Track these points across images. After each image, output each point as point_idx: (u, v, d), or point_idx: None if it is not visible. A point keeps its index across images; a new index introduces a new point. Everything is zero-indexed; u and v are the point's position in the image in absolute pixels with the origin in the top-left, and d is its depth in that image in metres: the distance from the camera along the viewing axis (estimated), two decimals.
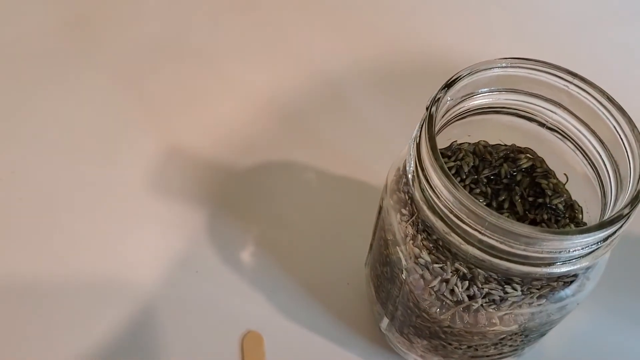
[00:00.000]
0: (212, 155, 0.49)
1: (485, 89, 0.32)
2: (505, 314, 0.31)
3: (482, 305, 0.31)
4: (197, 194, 0.47)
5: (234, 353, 0.41)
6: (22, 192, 0.47)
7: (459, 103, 0.32)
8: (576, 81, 0.31)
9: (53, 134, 0.49)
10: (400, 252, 0.32)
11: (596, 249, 0.28)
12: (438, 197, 0.29)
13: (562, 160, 0.35)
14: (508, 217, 0.34)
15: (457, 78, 0.31)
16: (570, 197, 0.35)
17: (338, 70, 0.54)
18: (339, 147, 0.49)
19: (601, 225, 0.27)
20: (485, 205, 0.33)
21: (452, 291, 0.31)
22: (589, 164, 0.33)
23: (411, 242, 0.32)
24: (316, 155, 0.49)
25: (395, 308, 0.36)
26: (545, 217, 0.34)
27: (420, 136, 0.29)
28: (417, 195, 0.30)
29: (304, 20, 0.57)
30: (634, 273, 0.45)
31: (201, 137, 0.50)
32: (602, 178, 0.32)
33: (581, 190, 0.34)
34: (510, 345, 0.35)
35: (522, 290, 0.31)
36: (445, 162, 0.34)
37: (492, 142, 0.36)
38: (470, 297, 0.31)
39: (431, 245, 0.31)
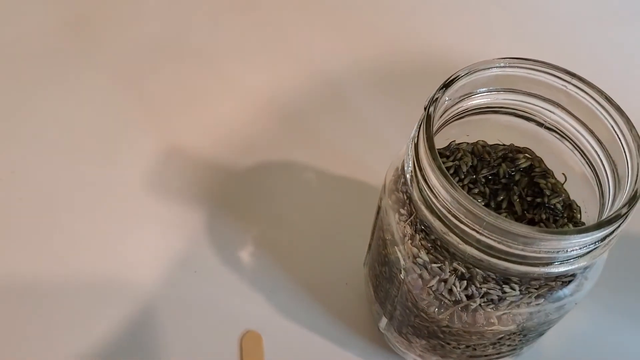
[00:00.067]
0: (212, 155, 0.49)
1: (484, 89, 0.33)
2: (504, 314, 0.31)
3: (480, 304, 0.31)
4: (197, 194, 0.47)
5: (233, 353, 0.41)
6: (22, 192, 0.47)
7: (457, 103, 0.32)
8: (574, 81, 0.31)
9: (53, 134, 0.49)
10: (398, 252, 0.32)
11: (594, 249, 0.28)
12: (436, 197, 0.29)
13: (560, 160, 0.35)
14: (506, 217, 0.34)
15: (455, 78, 0.31)
16: (568, 197, 0.35)
17: (338, 70, 0.54)
18: (339, 147, 0.49)
19: (599, 225, 0.27)
20: (483, 205, 0.33)
21: (450, 291, 0.31)
22: (587, 163, 0.33)
23: (409, 241, 0.32)
24: (316, 155, 0.49)
25: (394, 308, 0.36)
26: (544, 216, 0.34)
27: (418, 136, 0.30)
28: (415, 195, 0.30)
29: (304, 20, 0.57)
30: (632, 272, 0.45)
31: (201, 137, 0.50)
32: (600, 178, 0.32)
33: (579, 190, 0.34)
34: (509, 345, 0.35)
35: (520, 290, 0.31)
36: (444, 162, 0.35)
37: (490, 142, 0.36)
38: (469, 297, 0.31)
39: (429, 245, 0.31)
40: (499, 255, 0.28)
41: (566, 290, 0.31)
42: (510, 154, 0.36)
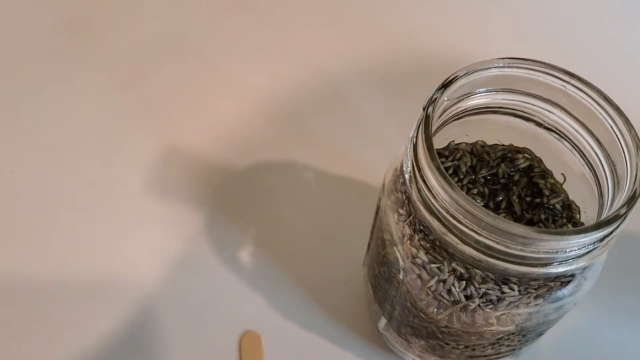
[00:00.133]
0: (211, 155, 0.49)
1: (483, 89, 0.33)
2: (503, 314, 0.31)
3: (479, 305, 0.31)
4: (197, 194, 0.47)
5: (232, 353, 0.41)
6: (21, 192, 0.47)
7: (456, 103, 0.32)
8: (573, 81, 0.31)
9: (53, 134, 0.49)
10: (397, 252, 0.32)
11: (593, 249, 0.28)
12: (435, 198, 0.29)
13: (559, 160, 0.35)
14: (505, 217, 0.34)
15: (454, 78, 0.31)
16: (567, 197, 0.35)
17: (338, 70, 0.54)
18: (338, 147, 0.49)
19: (598, 226, 0.27)
20: (482, 205, 0.33)
21: (449, 291, 0.31)
22: (587, 164, 0.33)
23: (408, 242, 0.32)
24: (315, 155, 0.49)
25: (393, 308, 0.36)
26: (543, 217, 0.34)
27: (416, 136, 0.30)
28: (414, 195, 0.30)
29: (304, 20, 0.57)
30: (631, 272, 0.45)
31: (201, 137, 0.50)
32: (599, 178, 0.32)
33: (579, 190, 0.34)
34: (508, 345, 0.35)
35: (519, 290, 0.31)
36: (443, 162, 0.35)
37: (489, 142, 0.36)
38: (468, 297, 0.31)
39: (428, 245, 0.31)
40: (498, 255, 0.28)
41: (565, 291, 0.31)
42: (510, 154, 0.36)
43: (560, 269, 0.28)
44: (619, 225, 0.28)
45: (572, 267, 0.29)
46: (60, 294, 0.43)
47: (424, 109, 0.30)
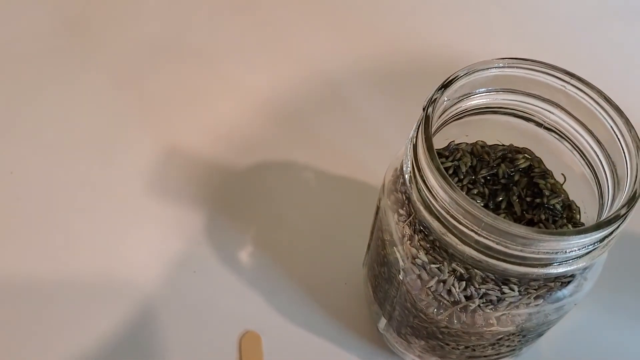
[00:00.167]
0: (211, 155, 0.49)
1: (483, 89, 0.32)
2: (503, 315, 0.31)
3: (479, 305, 0.31)
4: (197, 194, 0.47)
5: (232, 353, 0.41)
6: (21, 192, 0.47)
7: (456, 103, 0.32)
8: (573, 81, 0.31)
9: (52, 134, 0.49)
10: (397, 253, 0.32)
11: (593, 250, 0.28)
12: (434, 198, 0.29)
13: (559, 161, 0.35)
14: (505, 217, 0.34)
15: (454, 78, 0.31)
16: (567, 197, 0.35)
17: (338, 70, 0.54)
18: (338, 147, 0.49)
19: (598, 226, 0.27)
20: (482, 205, 0.33)
21: (449, 291, 0.31)
22: (587, 164, 0.33)
23: (408, 242, 0.32)
24: (315, 155, 0.49)
25: (393, 308, 0.36)
26: (543, 217, 0.34)
27: (416, 137, 0.29)
28: (414, 195, 0.30)
29: (304, 20, 0.57)
30: (631, 273, 0.45)
31: (201, 137, 0.50)
32: (599, 178, 0.32)
33: (579, 191, 0.34)
34: (508, 346, 0.35)
35: (519, 291, 0.31)
36: (443, 162, 0.35)
37: (489, 142, 0.36)
38: (468, 298, 0.31)
39: (428, 245, 0.31)
40: (498, 256, 0.28)
41: (565, 291, 0.31)
42: (510, 154, 0.36)
43: (561, 270, 0.28)
44: (619, 225, 0.28)
45: (572, 268, 0.29)
46: (60, 294, 0.43)
47: (423, 109, 0.30)
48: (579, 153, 0.33)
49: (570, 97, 0.32)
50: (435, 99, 0.30)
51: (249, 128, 0.50)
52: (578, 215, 0.35)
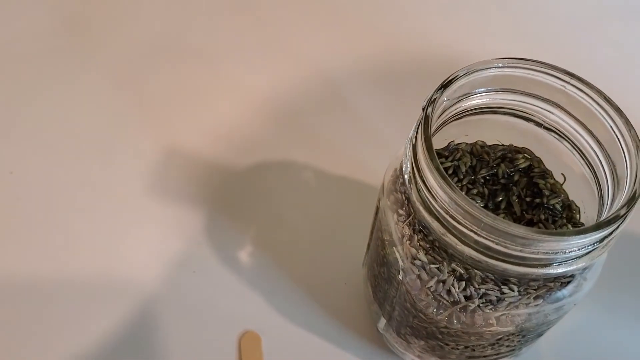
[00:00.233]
0: (211, 155, 0.49)
1: (482, 89, 0.32)
2: (502, 315, 0.31)
3: (478, 305, 0.31)
4: (196, 194, 0.47)
5: (232, 353, 0.41)
6: (21, 192, 0.47)
7: (455, 103, 0.32)
8: (573, 81, 0.31)
9: (52, 134, 0.49)
10: (397, 253, 0.32)
11: (593, 250, 0.28)
12: (434, 198, 0.29)
13: (559, 161, 0.35)
14: (505, 217, 0.34)
15: (453, 78, 0.31)
16: (567, 198, 0.35)
17: (337, 70, 0.54)
18: (338, 147, 0.49)
19: (598, 226, 0.27)
20: (482, 205, 0.33)
21: (448, 292, 0.31)
22: (586, 164, 0.33)
23: (408, 242, 0.32)
24: (315, 155, 0.49)
25: (393, 308, 0.36)
26: (543, 217, 0.34)
27: (416, 137, 0.29)
28: (414, 196, 0.30)
29: (304, 20, 0.57)
30: (631, 273, 0.45)
31: (200, 137, 0.50)
32: (599, 178, 0.32)
33: (579, 191, 0.34)
34: (508, 346, 0.35)
35: (519, 291, 0.31)
36: (443, 162, 0.34)
37: (489, 142, 0.36)
38: (467, 298, 0.31)
39: (428, 245, 0.31)
40: (497, 256, 0.28)
41: (565, 291, 0.31)
42: (509, 154, 0.36)
43: (560, 270, 0.28)
44: (618, 225, 0.28)
45: (572, 268, 0.28)
46: (60, 294, 0.43)
47: (423, 109, 0.30)
48: (578, 153, 0.33)
49: (570, 97, 0.32)
50: (435, 99, 0.30)
51: (249, 128, 0.50)
52: (578, 216, 0.35)
